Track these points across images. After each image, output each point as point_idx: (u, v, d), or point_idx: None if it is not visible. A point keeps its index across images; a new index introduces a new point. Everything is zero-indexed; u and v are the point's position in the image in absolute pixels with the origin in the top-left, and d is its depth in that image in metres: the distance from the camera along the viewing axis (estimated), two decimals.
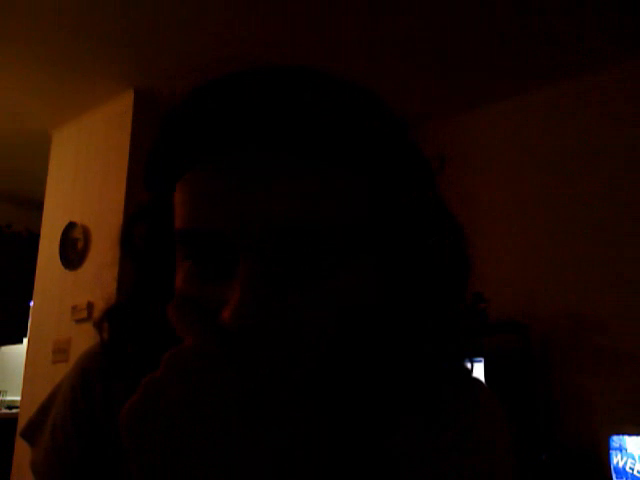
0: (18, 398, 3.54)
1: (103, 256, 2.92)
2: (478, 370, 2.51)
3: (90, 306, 2.91)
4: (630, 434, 2.27)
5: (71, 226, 3.17)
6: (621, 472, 2.24)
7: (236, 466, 0.32)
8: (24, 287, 3.93)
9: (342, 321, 0.39)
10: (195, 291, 0.40)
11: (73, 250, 3.13)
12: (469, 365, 0.48)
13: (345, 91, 0.41)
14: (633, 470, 2.21)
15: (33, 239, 3.79)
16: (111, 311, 0.49)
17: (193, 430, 0.32)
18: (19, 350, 4.28)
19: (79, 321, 2.96)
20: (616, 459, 2.26)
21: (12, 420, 3.60)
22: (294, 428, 0.34)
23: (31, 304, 3.60)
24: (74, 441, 0.51)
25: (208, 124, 0.39)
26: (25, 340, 3.94)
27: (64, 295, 3.12)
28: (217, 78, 0.42)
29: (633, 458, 2.23)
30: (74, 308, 2.99)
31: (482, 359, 2.54)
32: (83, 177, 3.25)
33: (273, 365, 0.37)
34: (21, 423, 3.16)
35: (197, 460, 0.32)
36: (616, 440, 2.29)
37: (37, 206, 3.64)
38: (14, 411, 4.08)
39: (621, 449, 2.27)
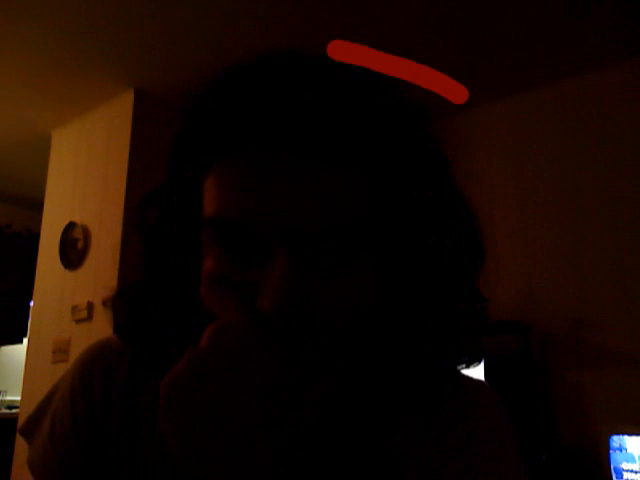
0: (18, 398, 3.54)
1: (103, 256, 2.93)
2: (478, 370, 2.51)
3: (90, 306, 2.91)
4: (630, 434, 2.27)
5: (71, 226, 3.17)
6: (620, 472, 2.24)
7: (237, 466, 0.32)
8: (24, 287, 3.93)
9: (342, 321, 0.39)
10: (227, 274, 0.40)
11: (73, 250, 3.13)
12: (475, 365, 0.48)
13: (346, 89, 0.41)
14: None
15: (33, 239, 3.79)
16: (126, 290, 0.49)
17: (232, 405, 0.33)
18: (19, 350, 4.28)
19: (79, 321, 2.96)
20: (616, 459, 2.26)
21: (12, 420, 3.61)
22: (294, 428, 0.34)
23: (31, 304, 3.60)
24: (72, 439, 0.51)
25: (207, 125, 0.40)
26: (25, 340, 3.94)
27: (64, 295, 3.12)
28: (217, 79, 0.43)
29: (633, 458, 2.23)
30: (74, 308, 2.99)
31: (482, 359, 2.53)
32: (83, 177, 3.25)
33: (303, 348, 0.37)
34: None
35: (226, 436, 0.33)
36: (616, 440, 2.28)
37: (37, 206, 3.63)
38: (14, 411, 4.08)
39: (621, 449, 2.26)
